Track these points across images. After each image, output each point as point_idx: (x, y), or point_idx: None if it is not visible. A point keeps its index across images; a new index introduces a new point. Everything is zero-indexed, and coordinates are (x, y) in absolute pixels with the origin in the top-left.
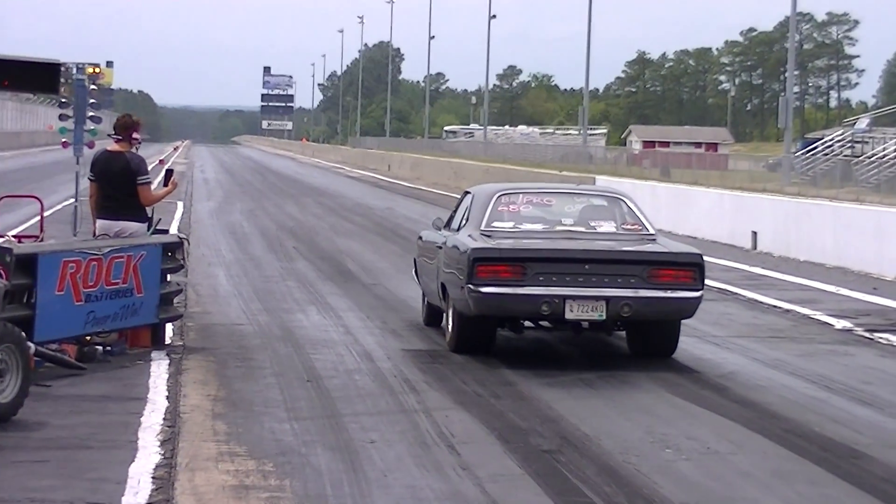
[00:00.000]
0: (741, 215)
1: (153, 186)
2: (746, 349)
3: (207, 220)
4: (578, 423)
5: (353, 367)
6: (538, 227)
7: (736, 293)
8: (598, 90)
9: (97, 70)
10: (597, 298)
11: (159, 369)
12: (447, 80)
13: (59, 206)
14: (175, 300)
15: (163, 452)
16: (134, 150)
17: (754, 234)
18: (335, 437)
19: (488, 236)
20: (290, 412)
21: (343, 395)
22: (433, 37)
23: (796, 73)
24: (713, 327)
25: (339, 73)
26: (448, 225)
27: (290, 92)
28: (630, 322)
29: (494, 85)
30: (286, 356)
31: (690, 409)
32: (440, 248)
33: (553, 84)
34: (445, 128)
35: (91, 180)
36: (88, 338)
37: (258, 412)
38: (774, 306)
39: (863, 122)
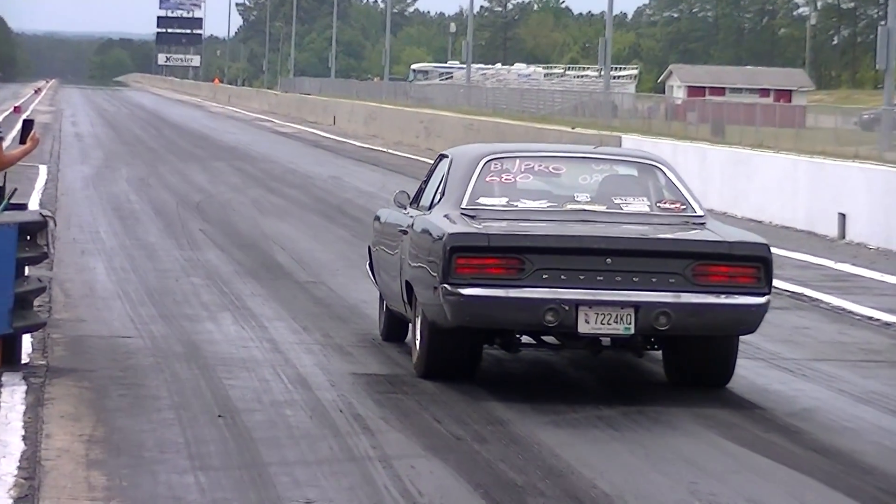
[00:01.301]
0: (823, 191)
1: (6, 144)
2: (829, 377)
3: (81, 191)
4: (595, 477)
5: (282, 398)
6: (541, 204)
7: (816, 299)
8: (625, 15)
9: None
10: (622, 305)
11: (13, 398)
12: (416, 0)
13: None
14: (36, 302)
15: None
16: None
17: (842, 217)
18: (257, 495)
19: (472, 217)
20: (196, 460)
21: (269, 436)
22: None
23: None
24: (784, 346)
25: None
26: (416, 201)
27: (198, 15)
28: (668, 338)
29: (481, 7)
30: (190, 382)
31: (750, 461)
32: (405, 232)
33: (563, 6)
34: (413, 66)
35: None
36: None
37: (150, 459)
38: (869, 318)
39: None
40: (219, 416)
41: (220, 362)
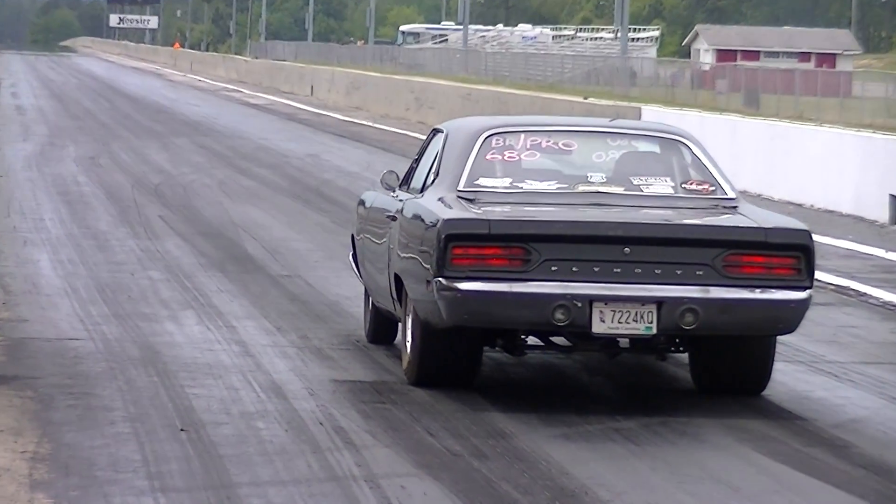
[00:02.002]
0: (873, 170)
1: None
2: (881, 383)
3: (23, 172)
4: (612, 499)
5: (253, 409)
6: (550, 186)
7: (865, 294)
8: None
9: None
10: (643, 301)
11: None
12: None
13: None
14: None
15: None
16: None
17: (894, 199)
18: None
19: (470, 201)
20: (155, 480)
21: (238, 452)
22: None
23: None
24: (827, 348)
25: None
26: (406, 182)
27: None
28: (696, 339)
29: None
30: (147, 390)
31: (790, 479)
32: (393, 218)
33: None
34: (402, 28)
35: None
36: None
37: (103, 479)
38: None
39: None
40: (181, 429)
41: (182, 368)
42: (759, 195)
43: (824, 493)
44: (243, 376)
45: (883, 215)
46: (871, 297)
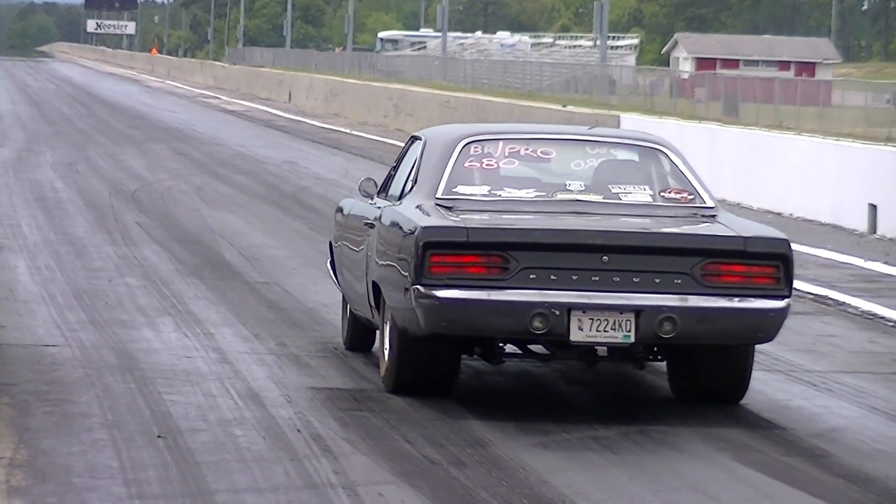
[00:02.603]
0: (852, 180)
1: None
2: (859, 393)
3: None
4: None
5: (230, 416)
6: (528, 194)
7: (843, 303)
8: None
9: None
10: (621, 309)
11: None
12: None
13: None
14: None
15: None
16: None
17: (872, 208)
18: None
19: (448, 208)
20: (132, 487)
21: (215, 459)
22: None
23: None
24: (805, 357)
25: None
26: (384, 190)
27: None
28: (674, 348)
29: None
30: (124, 397)
31: (769, 488)
32: (371, 226)
33: None
34: (380, 35)
35: None
36: None
37: (80, 486)
38: None
39: None
40: (158, 436)
41: (159, 375)
42: (739, 204)
43: (802, 502)
44: (221, 383)
45: (862, 224)
46: (849, 306)
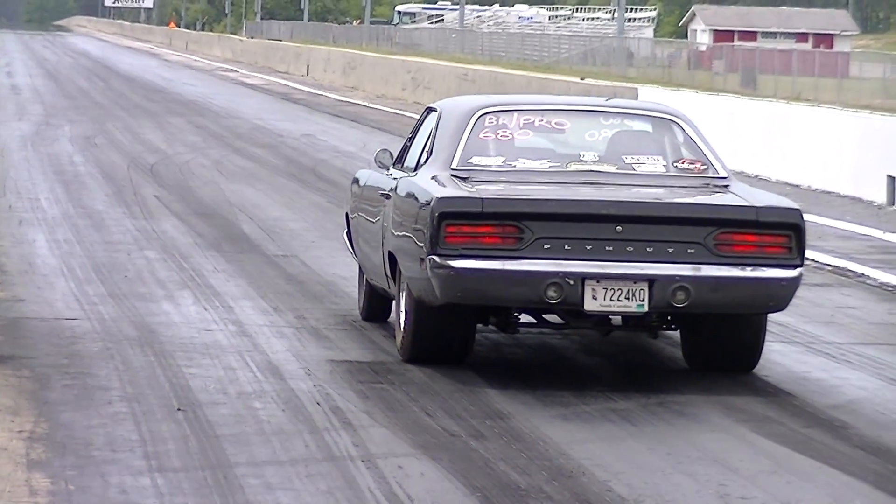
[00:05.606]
0: (871, 151)
1: None
2: (878, 364)
3: (18, 151)
4: (609, 479)
5: (250, 389)
6: (543, 164)
7: (862, 274)
8: None
9: None
10: (635, 279)
11: None
12: None
13: None
14: None
15: None
16: None
17: (892, 180)
18: (223, 499)
19: (463, 179)
20: (152, 459)
21: (235, 432)
22: None
23: None
24: (824, 328)
25: None
26: (400, 161)
27: None
28: (687, 317)
29: None
30: (144, 370)
31: (788, 460)
32: (387, 197)
33: None
34: (398, 7)
35: None
36: None
37: (100, 459)
38: None
39: None
40: (178, 409)
41: (178, 348)
42: (757, 176)
43: (822, 473)
44: (240, 356)
45: (881, 196)
46: (868, 277)
